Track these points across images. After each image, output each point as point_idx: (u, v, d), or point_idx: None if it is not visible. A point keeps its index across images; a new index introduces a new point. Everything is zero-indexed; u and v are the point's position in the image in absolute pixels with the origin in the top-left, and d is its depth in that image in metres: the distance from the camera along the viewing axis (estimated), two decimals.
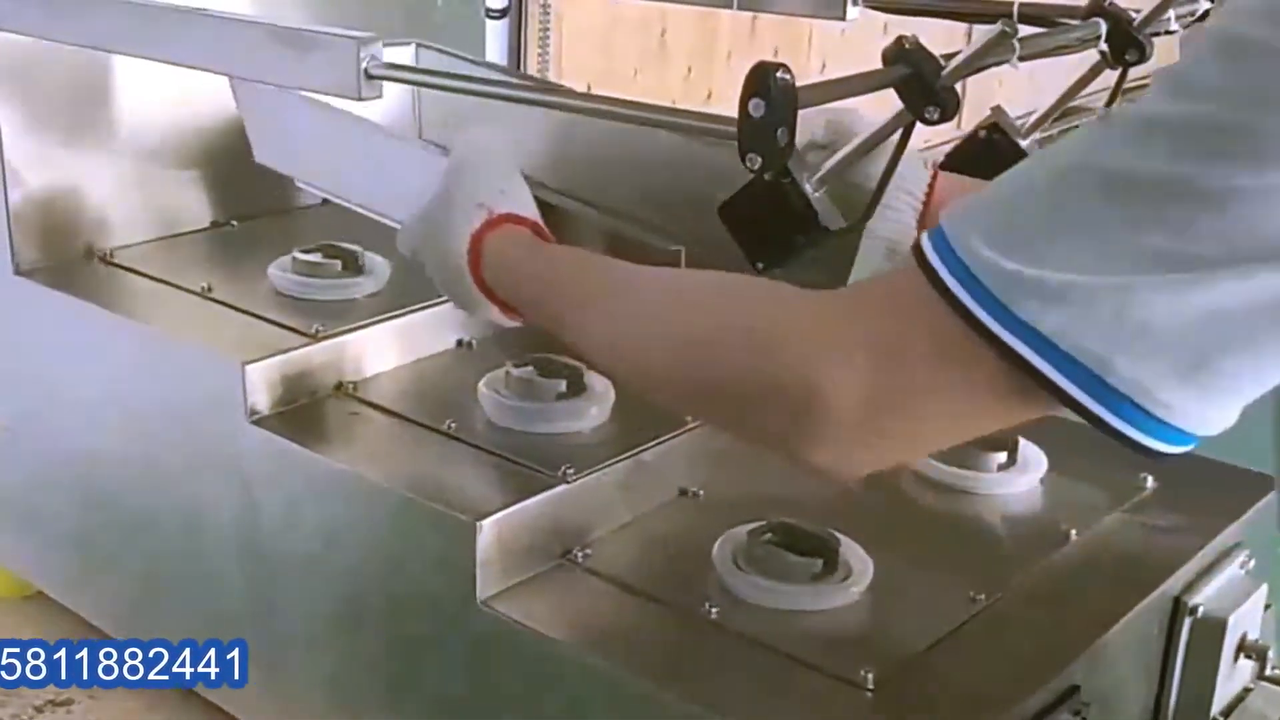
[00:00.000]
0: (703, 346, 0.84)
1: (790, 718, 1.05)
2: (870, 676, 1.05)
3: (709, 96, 3.77)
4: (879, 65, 1.02)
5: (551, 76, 2.88)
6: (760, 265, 1.11)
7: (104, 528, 1.55)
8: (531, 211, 1.13)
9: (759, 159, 0.97)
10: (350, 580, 1.29)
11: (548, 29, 2.87)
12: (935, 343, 0.71)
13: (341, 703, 1.34)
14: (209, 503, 1.39)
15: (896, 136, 1.05)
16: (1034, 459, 1.39)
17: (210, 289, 1.49)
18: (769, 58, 0.95)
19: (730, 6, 1.66)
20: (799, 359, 0.76)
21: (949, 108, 1.01)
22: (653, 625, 1.15)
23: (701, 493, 1.33)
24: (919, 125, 1.03)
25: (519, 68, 1.95)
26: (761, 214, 1.08)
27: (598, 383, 1.35)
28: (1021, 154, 1.29)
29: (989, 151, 1.29)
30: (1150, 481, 1.37)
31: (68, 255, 1.58)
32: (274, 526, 1.33)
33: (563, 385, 1.32)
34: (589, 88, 3.23)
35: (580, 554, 1.22)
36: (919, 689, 1.07)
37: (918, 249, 0.73)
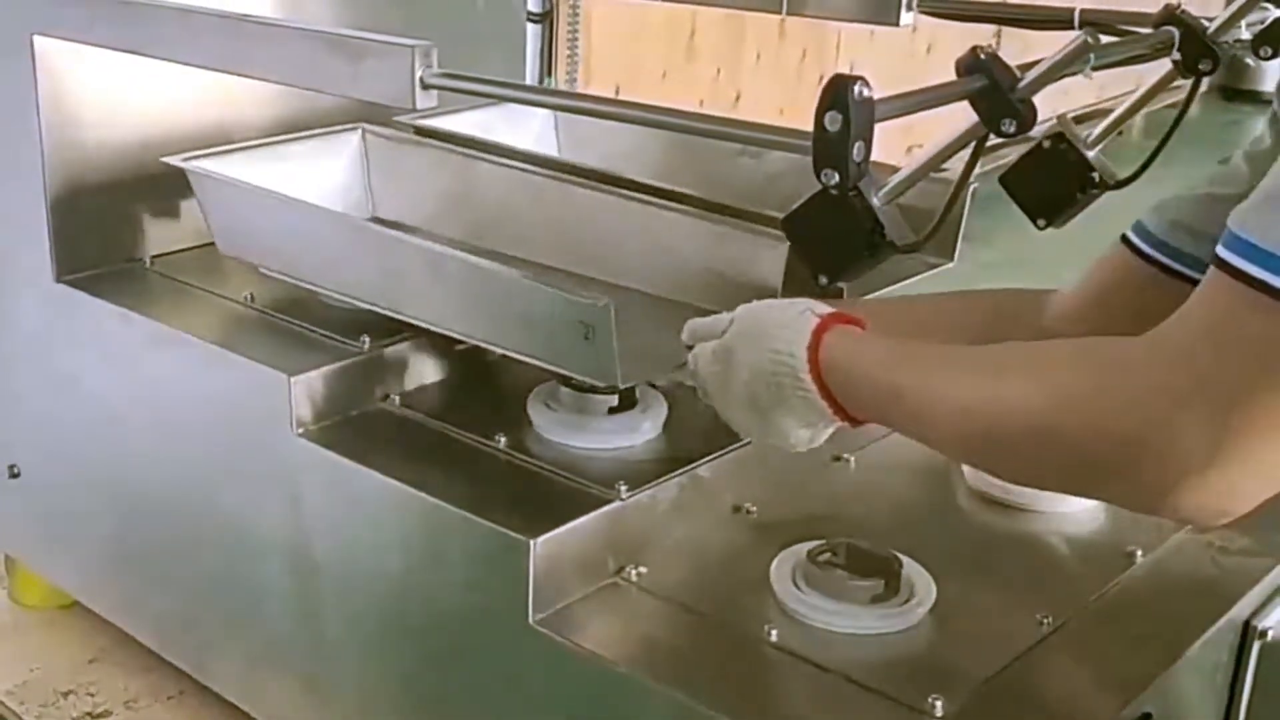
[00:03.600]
0: (1049, 412, 0.85)
1: None
2: (939, 705, 1.02)
3: (737, 98, 3.75)
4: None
5: (580, 79, 2.86)
6: (824, 280, 1.09)
7: (145, 539, 1.53)
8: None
9: (835, 175, 0.94)
10: (398, 596, 1.26)
11: (576, 32, 2.85)
12: (1267, 353, 0.75)
13: (388, 716, 1.32)
14: (254, 516, 1.37)
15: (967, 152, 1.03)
16: None
17: (253, 299, 1.47)
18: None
19: (779, 11, 1.62)
20: (1141, 421, 0.79)
21: (1026, 121, 0.98)
22: (710, 647, 1.12)
23: (755, 509, 1.31)
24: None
25: (548, 71, 1.92)
26: (827, 228, 1.06)
27: (650, 398, 1.33)
28: (1088, 165, 1.26)
29: (1054, 162, 1.26)
30: None
31: (109, 262, 1.56)
32: (321, 541, 1.31)
33: (615, 400, 1.29)
34: (617, 90, 3.20)
35: (634, 572, 1.19)
36: (989, 718, 1.04)
37: (1220, 265, 0.77)
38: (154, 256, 1.59)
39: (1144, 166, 1.27)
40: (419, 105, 1.14)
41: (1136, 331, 0.91)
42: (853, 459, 1.42)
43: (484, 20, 1.95)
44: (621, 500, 1.19)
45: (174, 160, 1.44)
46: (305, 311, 1.43)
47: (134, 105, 1.58)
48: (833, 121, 0.91)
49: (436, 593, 1.23)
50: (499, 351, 1.35)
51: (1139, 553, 1.25)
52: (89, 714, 1.58)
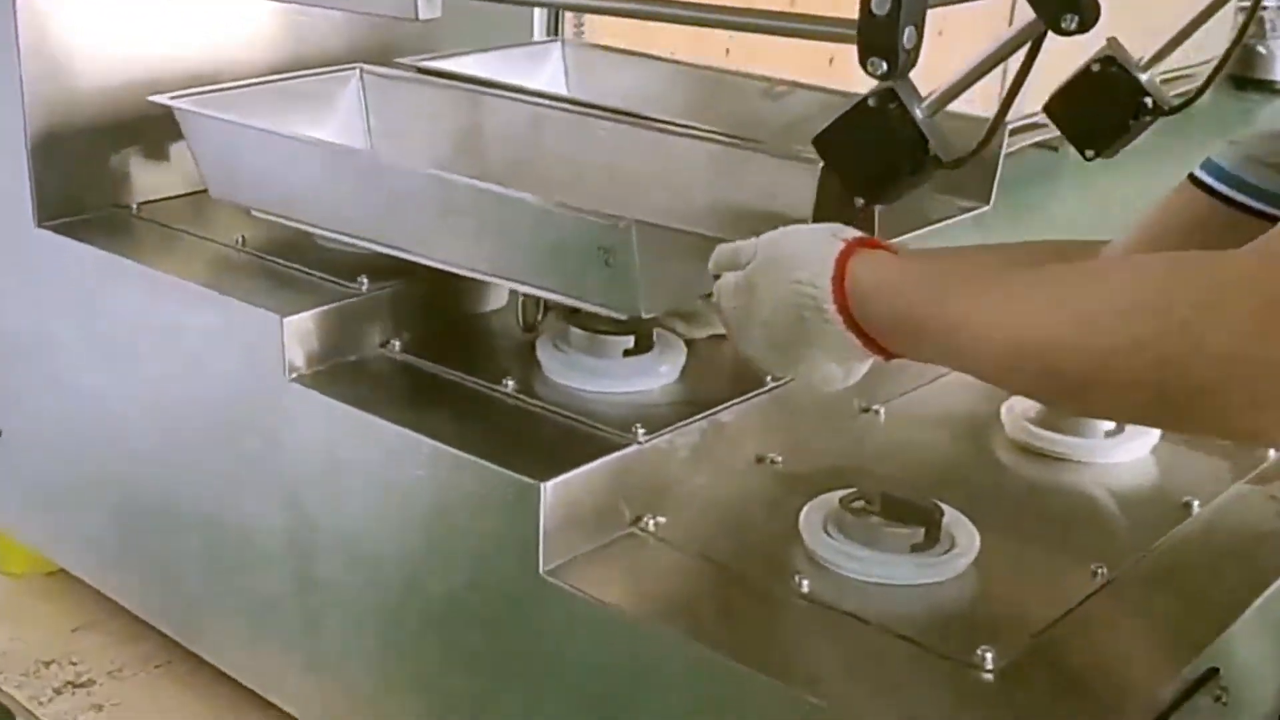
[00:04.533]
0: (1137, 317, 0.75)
1: (902, 703, 0.93)
2: (990, 657, 0.94)
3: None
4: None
5: (586, 36, 2.77)
6: (862, 200, 1.00)
7: (132, 499, 1.44)
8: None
9: (883, 64, 0.85)
10: (399, 549, 1.17)
11: None
12: None
13: (388, 678, 1.23)
14: (245, 469, 1.28)
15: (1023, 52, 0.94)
16: (1145, 427, 1.27)
17: (244, 242, 1.38)
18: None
19: None
20: (1258, 337, 0.70)
21: (1089, 17, 0.89)
22: (735, 598, 1.04)
23: (780, 459, 1.22)
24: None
25: (556, 32, 1.84)
26: (866, 143, 0.97)
27: (667, 341, 1.24)
28: (1139, 87, 1.17)
29: (1104, 86, 1.17)
30: (1273, 453, 1.26)
31: (93, 208, 1.48)
32: (316, 493, 1.22)
33: (630, 341, 1.21)
34: None
35: (652, 522, 1.11)
36: (1044, 672, 0.95)
37: None
38: (141, 203, 1.51)
39: (1200, 91, 1.18)
40: (422, 15, 1.05)
41: None
42: (882, 410, 1.33)
43: None
44: (639, 444, 1.11)
45: (161, 99, 1.35)
46: (300, 254, 1.34)
47: (121, 46, 1.49)
48: (880, 4, 0.83)
49: (441, 544, 1.14)
50: (509, 288, 1.27)
51: (1196, 503, 1.16)
52: (71, 683, 1.49)
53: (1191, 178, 1.11)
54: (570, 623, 1.04)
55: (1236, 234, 1.00)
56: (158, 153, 1.52)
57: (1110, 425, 1.25)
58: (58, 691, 1.49)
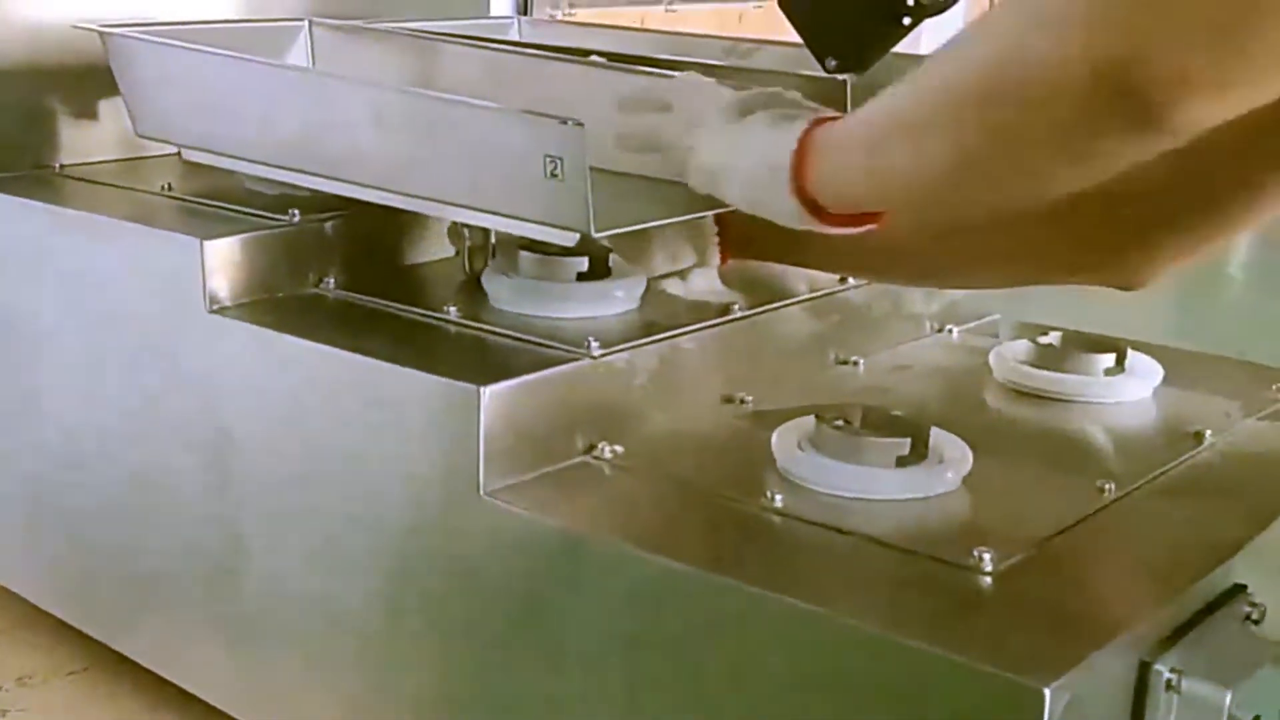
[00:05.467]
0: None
1: (896, 605, 0.81)
2: (988, 558, 0.82)
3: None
4: None
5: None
6: (833, 63, 0.91)
7: (41, 475, 1.31)
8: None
9: None
10: (330, 476, 1.05)
11: None
12: None
13: (322, 617, 1.08)
14: (167, 413, 1.16)
15: None
16: (1146, 367, 1.17)
17: (171, 187, 1.28)
18: None
19: None
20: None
21: None
22: (701, 518, 0.92)
23: (749, 399, 1.11)
24: None
25: (527, 11, 1.77)
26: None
27: (625, 270, 1.14)
28: None
29: None
30: None
31: (13, 168, 1.38)
32: (239, 424, 1.10)
33: (584, 264, 1.10)
34: None
35: (608, 449, 0.99)
36: (1049, 577, 0.83)
37: None
38: (65, 165, 1.41)
39: None
40: None
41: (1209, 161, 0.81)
42: (862, 362, 1.23)
43: None
44: (592, 358, 1.00)
45: (87, 26, 1.26)
46: (228, 197, 1.24)
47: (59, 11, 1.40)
48: None
49: (374, 473, 1.01)
50: (449, 220, 1.16)
51: (1208, 433, 1.05)
52: None
53: None
54: (515, 547, 0.92)
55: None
56: (85, 111, 1.43)
57: (1110, 362, 1.15)
58: None
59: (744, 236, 1.07)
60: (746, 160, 0.88)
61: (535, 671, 0.92)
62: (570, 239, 0.96)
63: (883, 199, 0.85)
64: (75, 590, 1.34)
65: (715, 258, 1.09)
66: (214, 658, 1.18)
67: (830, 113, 0.86)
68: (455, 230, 1.18)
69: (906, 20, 0.86)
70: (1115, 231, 0.96)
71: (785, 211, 0.87)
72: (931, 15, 0.86)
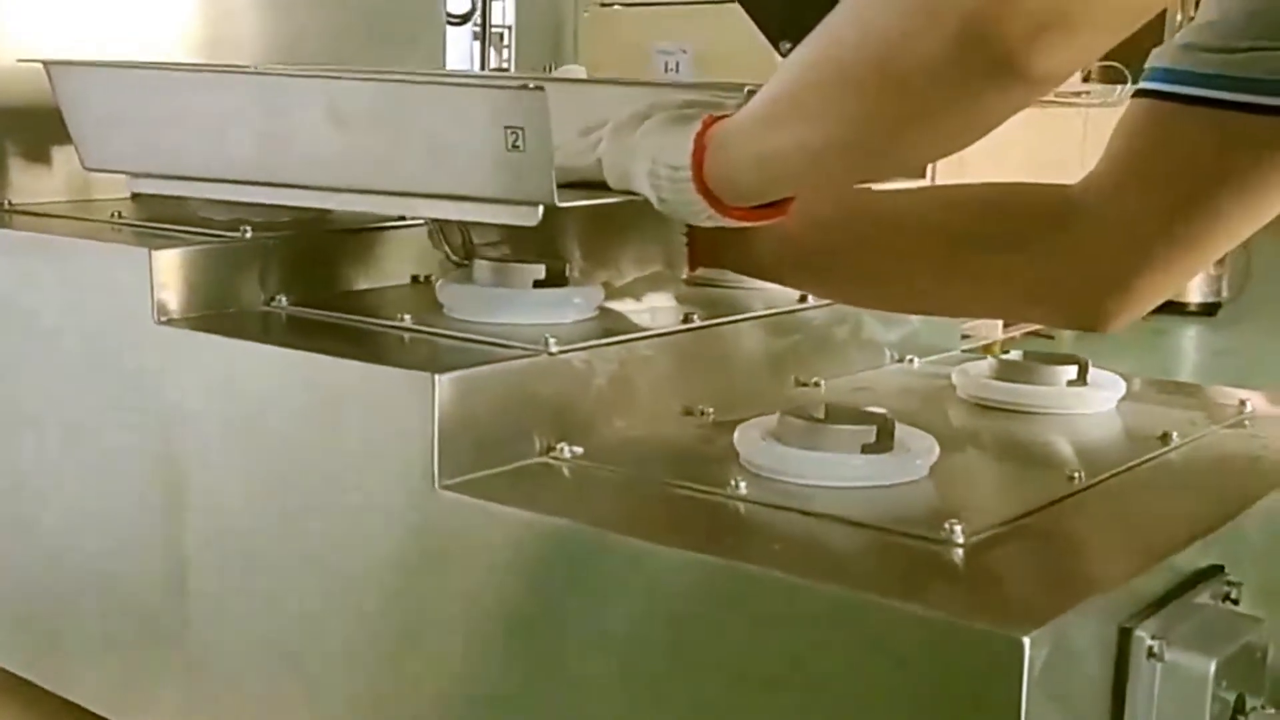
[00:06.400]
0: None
1: (868, 574, 0.78)
2: (959, 530, 0.80)
3: None
4: None
5: None
6: (788, 46, 0.91)
7: None
8: None
9: None
10: (282, 477, 1.01)
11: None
12: None
13: (272, 619, 1.03)
14: (111, 427, 1.12)
15: None
16: (1108, 380, 1.16)
17: (120, 214, 1.26)
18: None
19: None
20: None
21: None
22: (665, 507, 0.89)
23: (711, 411, 1.09)
24: None
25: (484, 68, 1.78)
26: None
27: (584, 279, 1.12)
28: None
29: None
30: (1249, 407, 1.15)
31: None
32: (189, 434, 1.06)
33: (540, 271, 1.08)
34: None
35: (568, 450, 0.97)
36: (1021, 550, 0.81)
37: None
38: (14, 203, 1.39)
39: None
40: None
41: (1183, 194, 0.87)
42: (823, 383, 1.21)
43: (410, 22, 1.82)
44: (549, 354, 0.98)
45: (32, 59, 1.25)
46: (180, 222, 1.22)
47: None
48: None
49: (328, 468, 0.97)
50: (408, 212, 1.14)
51: (1175, 434, 1.04)
52: None
53: (1140, 92, 1.04)
54: (471, 536, 0.89)
55: (1196, 126, 0.93)
56: (34, 154, 1.41)
57: (1072, 374, 1.14)
58: None
59: (711, 245, 1.07)
60: (645, 163, 0.92)
61: (505, 664, 0.89)
62: (534, 216, 0.94)
63: (775, 184, 0.89)
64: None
65: (683, 266, 1.08)
66: (166, 689, 1.12)
67: (726, 111, 0.90)
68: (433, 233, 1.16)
69: None
70: (1090, 279, 0.96)
71: (691, 209, 0.91)
72: None
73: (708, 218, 0.91)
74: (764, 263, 1.07)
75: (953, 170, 1.22)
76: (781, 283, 1.14)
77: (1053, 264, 0.97)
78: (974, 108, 0.73)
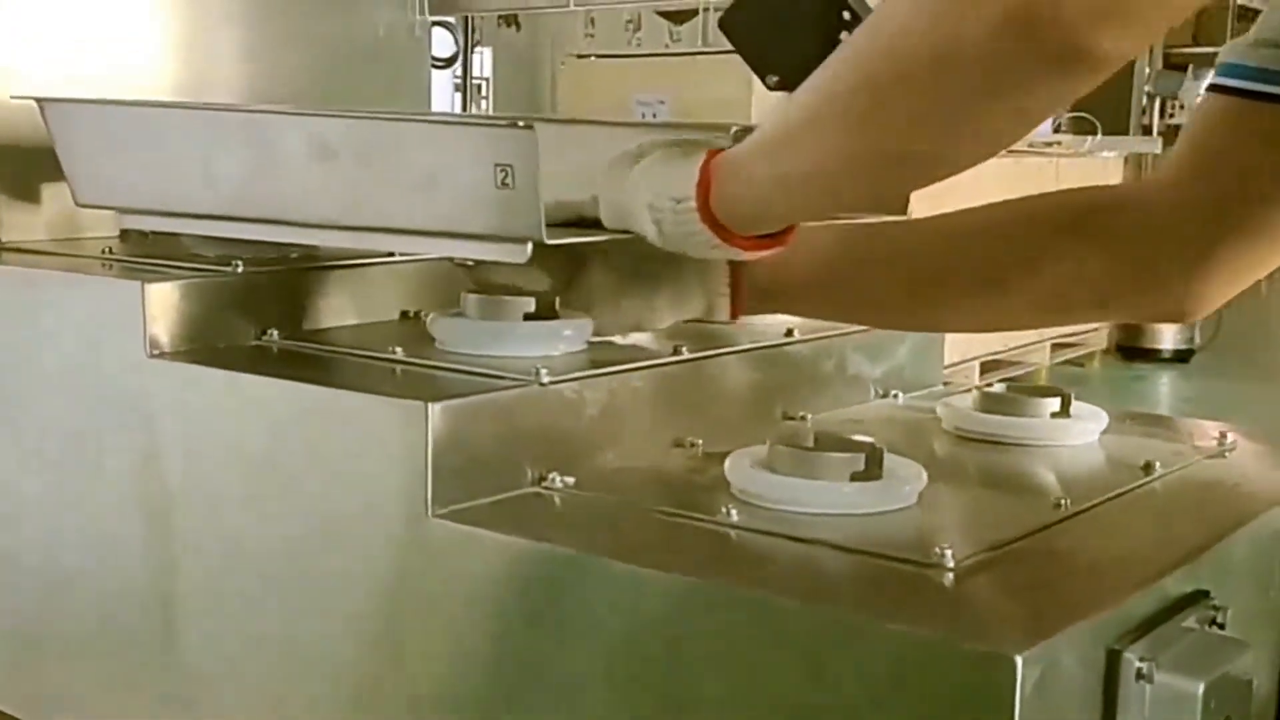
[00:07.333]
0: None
1: (860, 597, 0.79)
2: (950, 554, 0.81)
3: None
4: None
5: None
6: (774, 80, 0.93)
7: None
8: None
9: None
10: (275, 509, 1.01)
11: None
12: None
13: (264, 648, 1.03)
14: (101, 460, 1.12)
15: None
16: (1090, 412, 1.17)
17: (112, 250, 1.27)
18: None
19: None
20: None
21: None
22: (658, 534, 0.90)
23: (700, 443, 1.10)
24: None
25: (466, 108, 1.80)
26: (777, 13, 0.91)
27: (572, 313, 1.13)
28: None
29: None
30: (1230, 438, 1.16)
31: None
32: (181, 468, 1.06)
33: (530, 304, 1.10)
34: None
35: (560, 480, 0.97)
36: (1010, 573, 0.82)
37: None
38: (5, 241, 1.39)
39: None
40: None
41: (1254, 187, 0.87)
42: (810, 417, 1.22)
43: (395, 65, 1.84)
44: (541, 385, 0.99)
45: (25, 96, 1.26)
46: (171, 257, 1.23)
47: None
48: None
49: (320, 498, 0.97)
50: (398, 249, 1.15)
51: (1158, 464, 1.05)
52: None
53: (1214, 88, 1.04)
54: (465, 562, 0.89)
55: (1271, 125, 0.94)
56: (24, 193, 1.42)
57: (1055, 405, 1.15)
58: None
59: (761, 290, 1.07)
60: (646, 196, 0.92)
61: (498, 691, 0.89)
62: (523, 253, 0.96)
63: (791, 204, 0.88)
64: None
65: (724, 311, 1.08)
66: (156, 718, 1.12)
67: (725, 144, 0.91)
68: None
69: (843, 35, 0.88)
70: (1156, 264, 0.97)
71: (694, 240, 0.91)
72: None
73: (713, 248, 0.91)
74: (813, 301, 1.08)
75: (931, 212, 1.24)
76: (835, 319, 1.16)
77: (1129, 249, 0.98)
78: (1030, 96, 0.71)
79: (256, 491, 1.02)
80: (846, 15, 0.88)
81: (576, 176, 1.02)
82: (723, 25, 0.92)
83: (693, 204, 0.89)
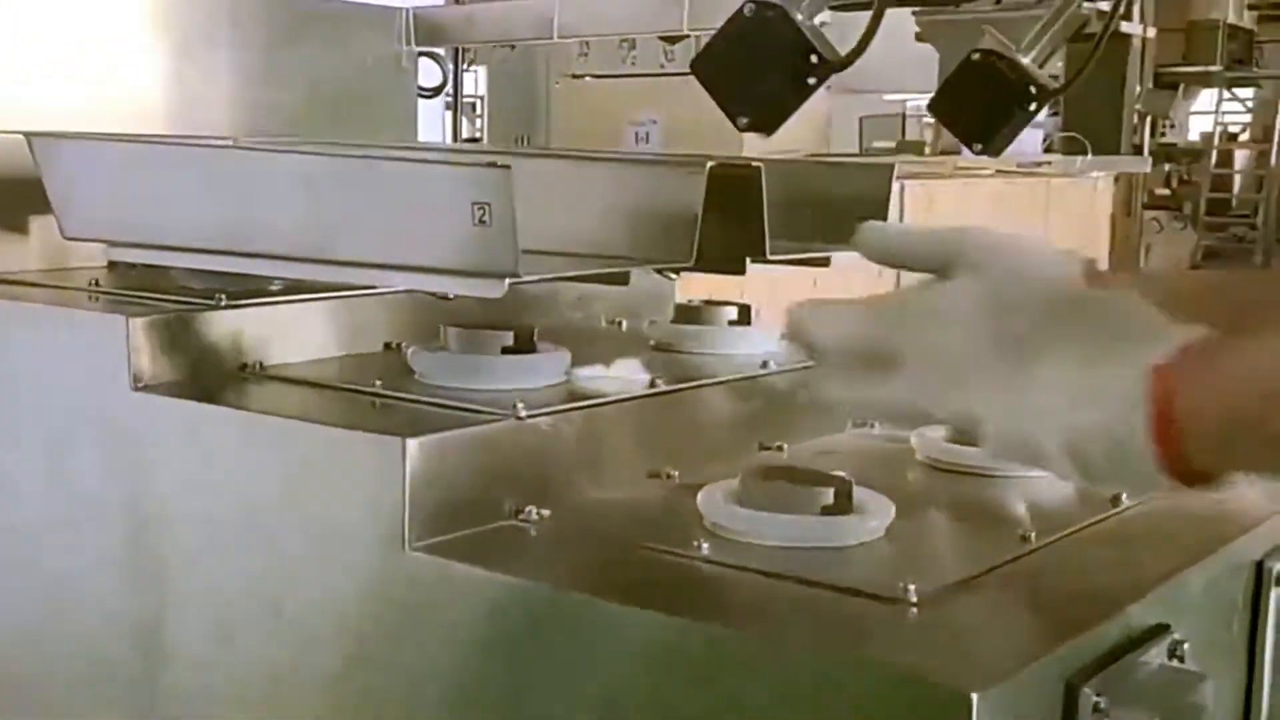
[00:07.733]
0: None
1: (821, 630, 0.81)
2: (913, 589, 0.82)
3: None
4: None
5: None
6: (744, 121, 0.95)
7: None
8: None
9: None
10: (254, 541, 1.03)
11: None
12: None
13: (244, 680, 1.05)
14: (83, 494, 1.14)
15: None
16: None
17: (98, 283, 1.29)
18: None
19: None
20: None
21: None
22: (629, 568, 0.92)
23: (676, 474, 1.11)
24: None
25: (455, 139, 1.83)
26: (748, 58, 0.93)
27: (551, 347, 1.15)
28: (1023, 73, 1.15)
29: (986, 75, 1.16)
30: None
31: None
32: (163, 500, 1.08)
33: (509, 338, 1.11)
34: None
35: (536, 513, 0.99)
36: (973, 607, 0.84)
37: None
38: None
39: (1079, 73, 1.17)
40: None
41: None
42: (786, 447, 1.24)
43: (382, 95, 1.86)
44: (518, 419, 1.00)
45: (12, 131, 1.28)
46: (157, 290, 1.25)
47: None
48: None
49: (299, 531, 0.99)
50: (377, 283, 1.17)
51: (1124, 496, 1.07)
52: None
53: None
54: (442, 599, 0.91)
55: None
56: (12, 224, 1.44)
57: None
58: None
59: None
60: (1061, 436, 0.68)
61: None
62: (499, 288, 0.97)
63: None
64: None
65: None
66: None
67: (1185, 333, 0.67)
68: None
69: (811, 80, 0.90)
70: None
71: (1136, 481, 0.70)
72: (833, 73, 0.91)
73: (1153, 486, 0.68)
74: None
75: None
76: None
77: None
78: None
79: (237, 521, 1.04)
80: (814, 59, 0.90)
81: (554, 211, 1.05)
82: (694, 68, 0.94)
83: (1144, 444, 0.65)
